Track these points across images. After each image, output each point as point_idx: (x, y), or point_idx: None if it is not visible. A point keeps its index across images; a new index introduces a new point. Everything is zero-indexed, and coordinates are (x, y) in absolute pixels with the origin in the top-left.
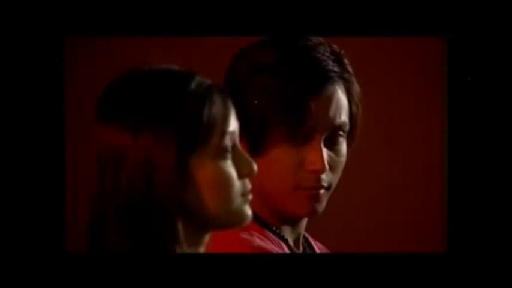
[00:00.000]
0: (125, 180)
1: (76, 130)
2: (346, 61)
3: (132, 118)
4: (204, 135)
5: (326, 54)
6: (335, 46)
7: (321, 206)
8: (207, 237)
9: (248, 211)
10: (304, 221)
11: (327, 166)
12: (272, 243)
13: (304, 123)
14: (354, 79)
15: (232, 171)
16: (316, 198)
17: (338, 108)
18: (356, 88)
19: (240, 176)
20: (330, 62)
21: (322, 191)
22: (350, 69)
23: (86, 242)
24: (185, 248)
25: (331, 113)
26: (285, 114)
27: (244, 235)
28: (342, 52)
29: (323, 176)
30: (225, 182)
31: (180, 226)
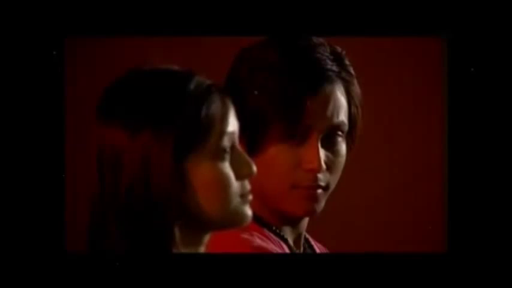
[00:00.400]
0: (123, 181)
1: (76, 130)
2: (346, 62)
3: (131, 118)
4: (202, 134)
5: (325, 54)
6: (337, 47)
7: (319, 206)
8: (207, 237)
9: (248, 211)
10: (305, 222)
11: (323, 165)
12: (272, 243)
13: (301, 121)
14: (354, 80)
15: (229, 172)
16: (314, 197)
17: (336, 108)
18: (356, 89)
19: (240, 177)
20: (328, 61)
21: (319, 190)
22: (351, 70)
23: (86, 242)
24: (185, 248)
25: (329, 112)
26: (282, 113)
27: (245, 235)
28: (343, 53)
29: (320, 176)
30: (221, 182)
31: (179, 226)
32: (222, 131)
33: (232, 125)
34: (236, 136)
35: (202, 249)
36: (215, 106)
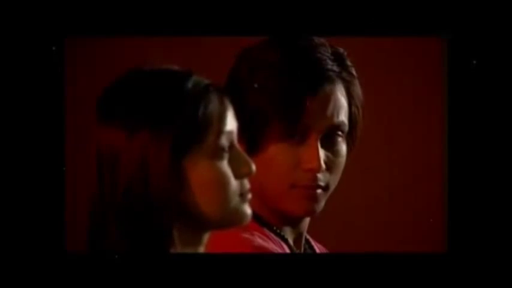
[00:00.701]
0: (122, 181)
1: (76, 130)
2: (348, 62)
3: (129, 118)
4: (200, 134)
5: (326, 54)
6: (339, 48)
7: (319, 206)
8: (206, 237)
9: (247, 210)
10: (306, 222)
11: (323, 165)
12: (273, 243)
13: (300, 121)
14: (355, 81)
15: (228, 171)
16: (313, 197)
17: (336, 108)
18: (357, 90)
19: (239, 176)
20: (329, 61)
21: (319, 190)
22: (352, 71)
23: (86, 242)
24: (184, 248)
25: (329, 112)
26: (282, 112)
27: (246, 234)
28: (345, 53)
29: (320, 176)
30: (220, 181)
31: (177, 226)
32: (220, 130)
33: (231, 124)
34: (235, 135)
35: (201, 249)
36: (213, 105)
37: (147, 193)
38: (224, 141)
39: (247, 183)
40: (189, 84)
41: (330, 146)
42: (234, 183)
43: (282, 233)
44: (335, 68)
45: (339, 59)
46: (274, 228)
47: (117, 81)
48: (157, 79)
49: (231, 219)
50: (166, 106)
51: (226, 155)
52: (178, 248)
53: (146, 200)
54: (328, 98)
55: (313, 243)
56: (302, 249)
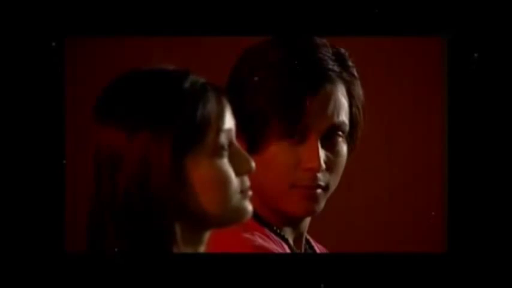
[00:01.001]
0: (121, 181)
1: (76, 130)
2: (349, 63)
3: (128, 118)
4: (199, 133)
5: (327, 54)
6: (341, 48)
7: (319, 206)
8: (207, 236)
9: (248, 207)
10: (306, 222)
11: (323, 165)
12: (273, 243)
13: (300, 120)
14: (356, 81)
15: (229, 169)
16: (313, 197)
17: (336, 108)
18: (358, 90)
19: (239, 174)
20: (330, 61)
21: (319, 190)
22: (353, 71)
23: (86, 242)
24: (185, 247)
25: (329, 112)
26: (282, 112)
27: (246, 234)
28: (346, 54)
29: (320, 176)
30: (221, 180)
31: (178, 225)
32: (219, 129)
33: (229, 122)
34: (233, 133)
35: (202, 248)
36: (211, 104)
37: (148, 193)
38: (224, 139)
39: (247, 181)
40: (187, 84)
41: (330, 146)
42: (234, 180)
43: (283, 233)
44: (336, 68)
45: (340, 59)
46: (275, 228)
47: (116, 82)
48: (155, 79)
49: (232, 217)
50: (166, 106)
51: (226, 153)
52: (179, 247)
53: (147, 200)
54: (328, 98)
55: (313, 243)
56: (302, 249)
